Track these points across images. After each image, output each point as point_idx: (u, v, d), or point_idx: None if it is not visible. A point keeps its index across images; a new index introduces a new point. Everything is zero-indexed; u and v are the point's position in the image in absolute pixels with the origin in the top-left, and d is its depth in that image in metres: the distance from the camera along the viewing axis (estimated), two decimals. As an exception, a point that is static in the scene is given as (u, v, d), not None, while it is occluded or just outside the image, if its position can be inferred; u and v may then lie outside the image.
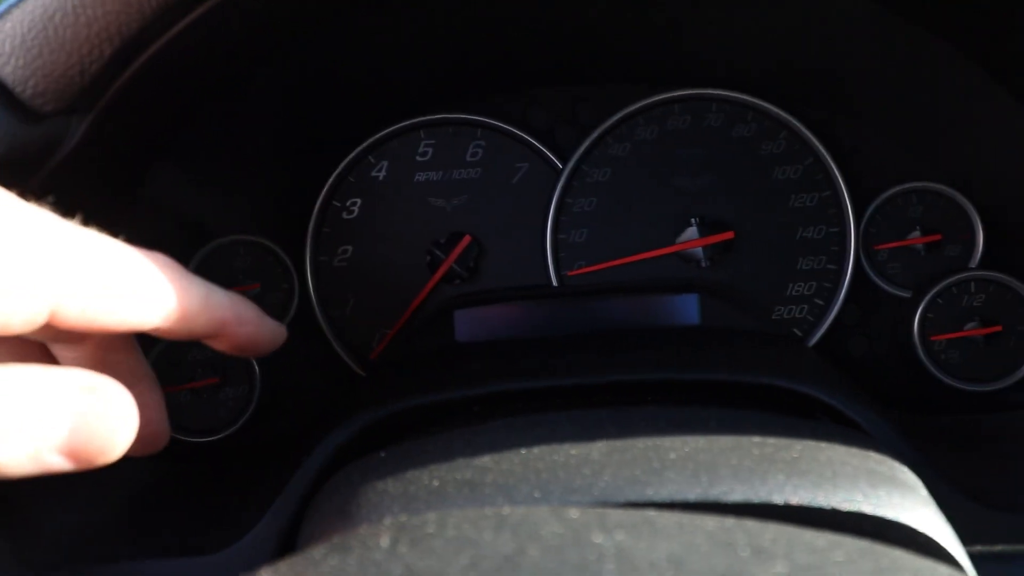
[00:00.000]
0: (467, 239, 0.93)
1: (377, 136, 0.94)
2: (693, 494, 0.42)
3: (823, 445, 0.49)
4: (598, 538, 0.32)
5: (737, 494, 0.42)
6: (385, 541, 0.34)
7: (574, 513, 0.37)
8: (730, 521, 0.37)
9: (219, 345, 0.55)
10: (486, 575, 0.29)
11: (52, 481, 0.69)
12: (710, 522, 0.36)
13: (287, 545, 0.63)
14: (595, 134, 0.93)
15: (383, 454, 0.54)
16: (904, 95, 0.88)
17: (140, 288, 0.46)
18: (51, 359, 0.54)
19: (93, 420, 0.40)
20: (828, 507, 0.42)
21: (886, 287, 0.92)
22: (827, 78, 0.90)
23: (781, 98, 0.92)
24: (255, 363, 0.91)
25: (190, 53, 0.59)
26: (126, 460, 0.82)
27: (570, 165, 0.93)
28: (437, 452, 0.50)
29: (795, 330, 0.92)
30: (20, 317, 0.40)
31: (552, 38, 0.89)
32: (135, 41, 0.53)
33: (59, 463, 0.40)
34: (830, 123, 0.93)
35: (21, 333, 0.42)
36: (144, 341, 0.60)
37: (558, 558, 0.30)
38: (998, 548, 0.53)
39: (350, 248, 0.95)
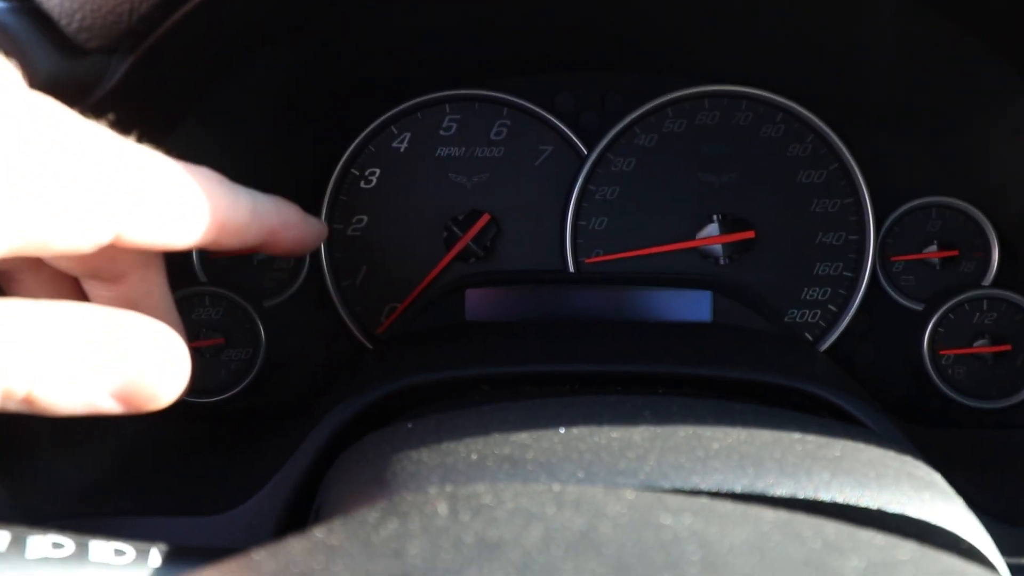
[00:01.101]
0: (486, 218, 0.92)
1: (402, 107, 0.93)
2: (740, 485, 0.42)
3: (861, 446, 0.48)
4: (667, 520, 0.31)
5: (783, 488, 0.42)
6: (443, 508, 0.33)
7: (629, 495, 0.36)
8: (785, 514, 0.36)
9: (268, 251, 0.58)
10: (566, 550, 0.28)
11: (55, 434, 0.68)
12: (768, 513, 0.36)
13: (294, 509, 0.62)
14: (623, 123, 0.92)
15: (410, 425, 0.53)
16: (933, 107, 0.88)
17: (198, 204, 0.46)
18: (83, 297, 0.53)
19: (150, 366, 0.39)
20: (875, 508, 0.41)
21: (899, 299, 0.92)
22: (858, 83, 0.90)
23: (811, 101, 0.92)
24: (260, 326, 0.90)
25: (240, 2, 0.57)
26: (130, 415, 0.80)
27: (596, 152, 0.92)
28: (469, 426, 0.49)
29: (807, 335, 0.92)
30: (88, 238, 0.40)
31: (587, 23, 0.88)
32: (189, -18, 0.52)
33: (110, 406, 0.39)
34: (857, 130, 0.93)
35: (85, 253, 0.41)
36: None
37: (636, 537, 0.29)
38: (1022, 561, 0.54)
39: (365, 218, 0.94)
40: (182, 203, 0.45)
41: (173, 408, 0.88)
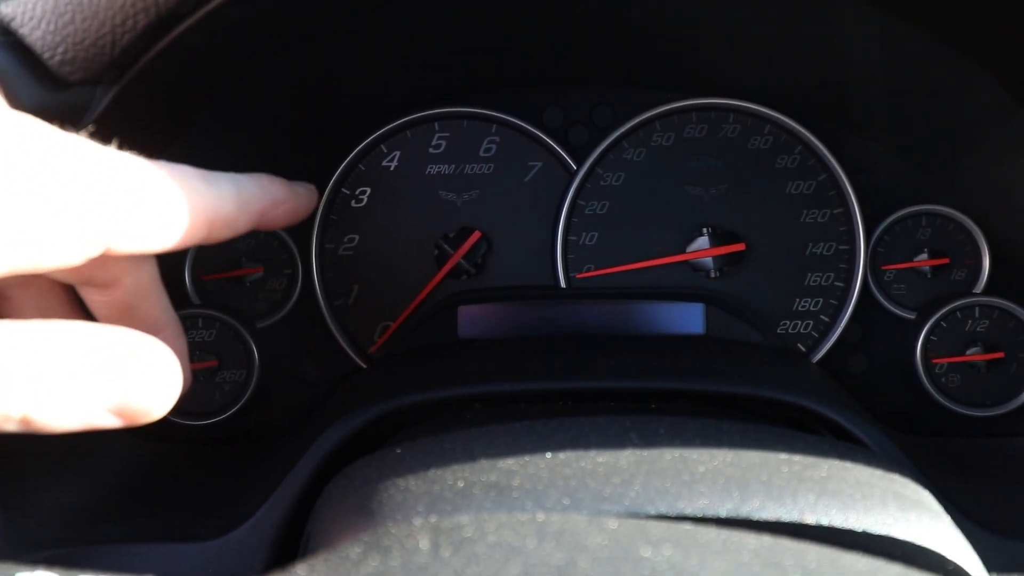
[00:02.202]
0: (477, 235, 0.92)
1: (391, 125, 0.93)
2: (725, 509, 0.42)
3: (848, 465, 0.48)
4: (646, 552, 0.31)
5: (768, 511, 0.42)
6: (424, 543, 0.33)
7: (613, 524, 0.36)
8: (768, 539, 0.36)
9: (262, 229, 0.61)
10: (542, 586, 0.28)
11: (47, 460, 0.68)
12: (750, 539, 0.36)
13: (286, 535, 0.62)
14: (611, 137, 0.92)
15: (399, 450, 0.53)
16: (920, 116, 0.88)
17: (184, 207, 0.47)
18: (80, 303, 0.54)
19: (143, 381, 0.41)
20: (860, 530, 0.42)
21: (891, 308, 0.93)
22: (844, 94, 0.90)
23: (798, 113, 0.92)
24: (254, 347, 0.90)
25: (222, 29, 0.58)
26: (122, 438, 0.80)
27: (585, 167, 0.92)
28: (457, 452, 0.49)
29: (799, 345, 0.92)
30: (78, 254, 0.41)
31: (574, 40, 0.88)
32: (171, 13, 0.52)
33: (107, 421, 0.40)
34: (845, 140, 0.93)
35: (75, 265, 0.42)
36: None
37: (612, 571, 0.29)
38: (1014, 577, 0.54)
39: (357, 237, 0.94)
40: (168, 209, 0.46)
41: (167, 431, 0.88)
